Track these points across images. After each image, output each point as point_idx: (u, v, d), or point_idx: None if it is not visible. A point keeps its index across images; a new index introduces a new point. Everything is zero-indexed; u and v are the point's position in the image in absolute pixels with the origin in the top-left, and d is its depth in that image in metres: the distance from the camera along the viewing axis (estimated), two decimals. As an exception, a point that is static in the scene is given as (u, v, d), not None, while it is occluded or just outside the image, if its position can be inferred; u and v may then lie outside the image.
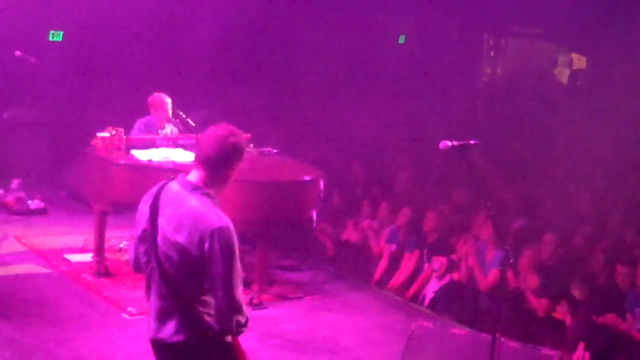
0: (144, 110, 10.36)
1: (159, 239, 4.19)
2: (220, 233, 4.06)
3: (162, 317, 4.24)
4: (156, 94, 10.20)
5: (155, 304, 4.28)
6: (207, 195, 4.21)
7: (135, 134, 10.03)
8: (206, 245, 4.05)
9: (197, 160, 4.30)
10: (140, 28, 15.06)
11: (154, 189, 4.35)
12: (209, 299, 4.15)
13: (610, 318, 7.98)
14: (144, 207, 4.34)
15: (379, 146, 14.06)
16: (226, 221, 4.11)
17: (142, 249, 4.32)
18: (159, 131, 10.15)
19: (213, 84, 15.96)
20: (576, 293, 8.41)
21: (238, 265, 4.12)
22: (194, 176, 4.27)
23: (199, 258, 4.07)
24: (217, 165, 4.24)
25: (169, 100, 10.14)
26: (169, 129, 10.24)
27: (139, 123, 10.21)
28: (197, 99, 13.70)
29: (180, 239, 4.11)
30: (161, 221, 4.21)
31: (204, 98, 14.56)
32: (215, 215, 4.12)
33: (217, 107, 14.57)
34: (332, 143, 13.98)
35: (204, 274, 4.09)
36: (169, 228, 4.17)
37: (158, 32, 15.44)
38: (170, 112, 10.12)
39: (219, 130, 4.28)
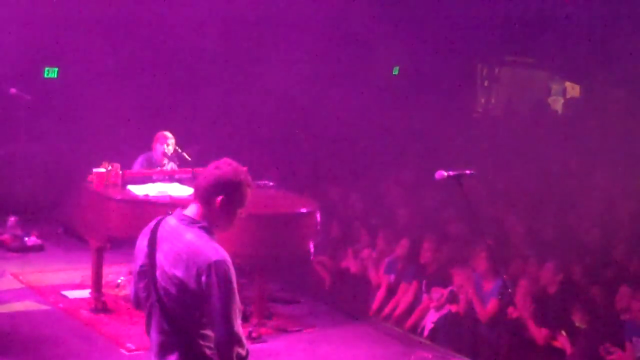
0: (140, 147, 10.41)
1: (158, 273, 4.18)
2: (217, 266, 4.05)
3: (163, 352, 4.22)
4: (162, 131, 10.33)
5: (156, 339, 4.26)
6: (204, 228, 4.21)
7: (136, 169, 10.09)
8: (203, 278, 4.04)
9: (194, 192, 4.34)
10: (135, 64, 15.12)
11: (152, 224, 4.36)
12: (209, 332, 4.14)
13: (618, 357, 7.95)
14: (142, 243, 4.34)
15: (377, 178, 14.07)
16: (223, 254, 4.11)
17: (141, 284, 4.31)
18: (158, 167, 10.21)
19: (209, 118, 16.01)
20: (577, 320, 8.37)
21: (237, 297, 4.11)
22: (191, 210, 4.28)
23: (197, 292, 4.06)
24: (204, 197, 4.25)
25: (171, 137, 10.25)
26: (169, 166, 10.30)
27: (141, 158, 10.31)
28: (191, 133, 13.72)
29: (178, 273, 4.10)
30: (159, 256, 4.21)
31: (198, 132, 14.60)
32: (212, 249, 4.12)
33: (212, 142, 14.60)
34: (330, 178, 13.99)
35: (203, 308, 4.08)
36: (166, 263, 4.16)
37: (153, 69, 15.50)
38: (172, 148, 10.20)
39: (214, 163, 4.32)
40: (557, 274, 9.03)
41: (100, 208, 9.18)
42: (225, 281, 4.05)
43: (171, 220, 4.29)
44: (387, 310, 10.12)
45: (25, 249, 11.75)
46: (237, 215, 4.32)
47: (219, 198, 4.23)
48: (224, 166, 4.29)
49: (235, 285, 4.11)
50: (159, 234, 4.27)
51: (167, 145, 10.21)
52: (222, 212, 4.26)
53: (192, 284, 4.07)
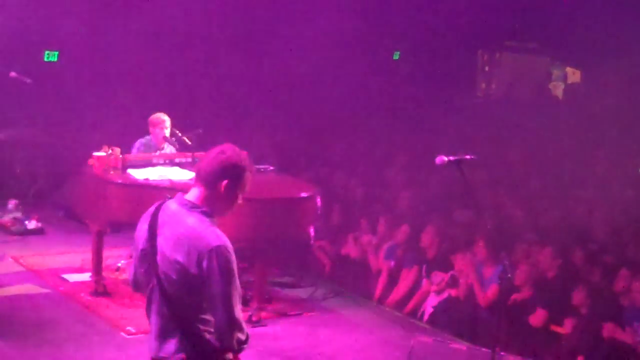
0: (141, 131, 10.37)
1: (159, 258, 4.19)
2: (218, 251, 4.05)
3: (163, 336, 4.23)
4: (156, 114, 10.22)
5: (156, 323, 4.27)
6: (205, 213, 4.21)
7: (134, 154, 10.04)
8: (204, 263, 4.05)
9: (195, 176, 4.34)
10: (134, 48, 15.09)
11: (152, 208, 4.35)
12: (209, 317, 4.14)
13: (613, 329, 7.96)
14: (142, 227, 4.33)
15: (378, 163, 14.06)
16: (224, 240, 4.12)
17: (142, 269, 4.31)
18: (158, 152, 10.16)
19: (211, 103, 16.00)
20: (577, 304, 8.36)
21: (237, 283, 4.12)
22: (192, 194, 4.28)
23: (198, 277, 4.07)
24: (208, 181, 4.24)
25: (167, 118, 10.14)
26: (168, 149, 10.23)
27: (138, 143, 10.22)
28: (194, 117, 13.70)
29: (179, 257, 4.10)
30: (160, 240, 4.21)
31: (201, 116, 14.57)
32: (213, 234, 4.12)
33: (214, 126, 14.59)
34: (331, 163, 13.97)
35: (203, 293, 4.09)
36: (167, 247, 4.16)
37: (152, 52, 15.47)
38: (168, 130, 10.10)
39: (217, 148, 4.31)
40: (555, 259, 9.03)
41: (100, 192, 9.16)
42: (226, 266, 4.06)
43: (172, 205, 4.29)
44: (389, 297, 10.11)
45: (25, 232, 11.77)
46: (238, 200, 4.33)
47: (224, 182, 4.23)
48: (229, 151, 4.28)
49: (235, 270, 4.12)
50: (160, 218, 4.27)
51: (166, 128, 10.12)
52: (226, 196, 4.26)
53: (192, 269, 4.07)
